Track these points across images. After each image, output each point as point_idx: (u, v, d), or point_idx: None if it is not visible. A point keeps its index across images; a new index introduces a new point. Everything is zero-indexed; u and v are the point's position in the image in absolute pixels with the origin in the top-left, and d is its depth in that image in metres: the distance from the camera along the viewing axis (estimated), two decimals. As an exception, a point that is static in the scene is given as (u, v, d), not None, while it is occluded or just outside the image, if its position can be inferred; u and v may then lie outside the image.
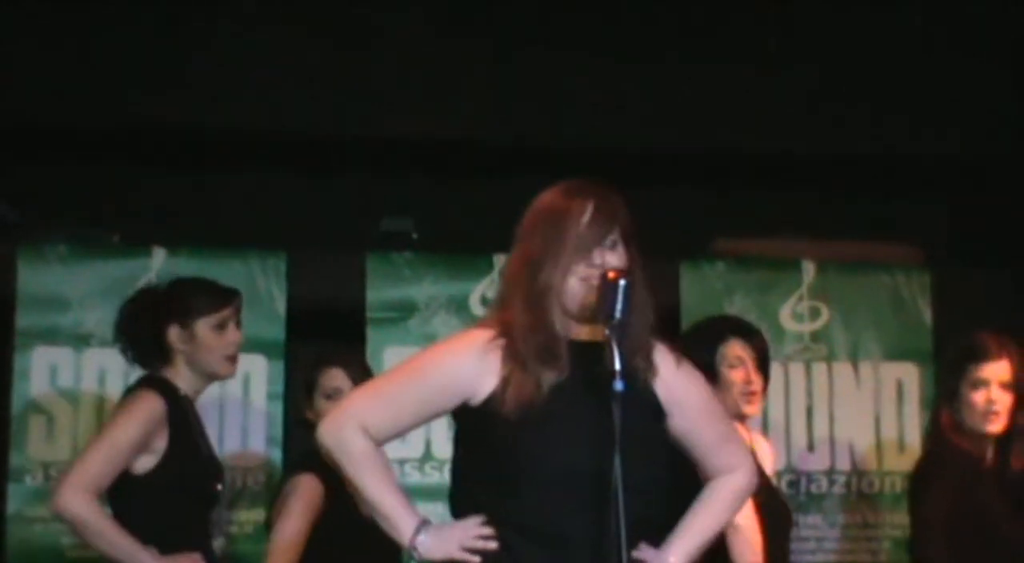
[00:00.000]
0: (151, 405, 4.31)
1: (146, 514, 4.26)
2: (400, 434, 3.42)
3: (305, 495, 4.69)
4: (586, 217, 3.29)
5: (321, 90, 6.37)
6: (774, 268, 6.79)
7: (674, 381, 3.40)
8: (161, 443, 4.30)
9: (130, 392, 4.42)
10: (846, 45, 6.51)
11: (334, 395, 4.83)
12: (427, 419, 3.42)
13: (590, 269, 3.26)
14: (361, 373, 4.94)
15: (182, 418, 4.39)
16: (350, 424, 3.32)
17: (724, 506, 3.50)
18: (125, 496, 4.29)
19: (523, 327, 3.28)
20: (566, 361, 3.25)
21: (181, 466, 4.34)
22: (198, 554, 4.29)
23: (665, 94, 6.52)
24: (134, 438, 4.25)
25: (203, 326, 4.43)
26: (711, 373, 4.60)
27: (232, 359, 4.49)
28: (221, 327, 4.45)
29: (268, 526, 4.83)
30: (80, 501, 4.15)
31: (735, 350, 4.67)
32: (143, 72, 6.23)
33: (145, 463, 4.28)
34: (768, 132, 6.57)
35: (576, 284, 3.27)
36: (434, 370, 3.35)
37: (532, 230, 3.34)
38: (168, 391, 4.37)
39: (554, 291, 3.27)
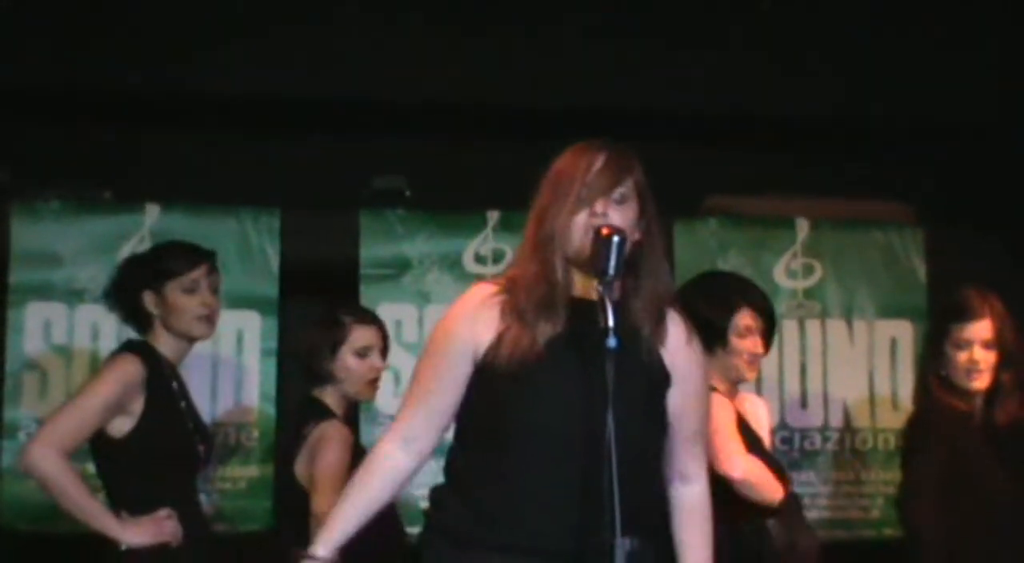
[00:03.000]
0: (126, 368, 4.34)
1: (127, 476, 4.29)
2: (450, 415, 3.38)
3: (341, 439, 4.72)
4: (595, 168, 3.30)
5: (315, 48, 6.34)
6: (768, 225, 6.79)
7: (680, 354, 3.40)
8: (137, 406, 4.32)
9: (112, 356, 4.44)
10: (841, 9, 6.48)
11: (364, 353, 4.85)
12: (462, 390, 3.36)
13: (592, 219, 3.26)
14: (386, 332, 4.99)
15: (162, 382, 4.40)
16: (392, 438, 3.39)
17: (707, 520, 3.51)
18: (105, 459, 4.32)
19: (526, 278, 3.30)
20: (563, 316, 3.26)
21: (160, 429, 4.35)
22: (168, 511, 4.30)
23: (659, 52, 6.50)
24: (105, 399, 4.27)
25: (173, 289, 4.46)
26: (722, 339, 4.64)
27: (205, 319, 4.50)
28: (191, 290, 4.47)
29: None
30: (47, 458, 4.18)
31: (746, 320, 4.72)
32: (136, 32, 6.19)
33: (121, 426, 4.30)
34: (762, 91, 6.56)
35: (578, 233, 3.27)
36: (445, 341, 3.35)
37: (545, 184, 3.36)
38: (148, 355, 4.40)
39: (556, 239, 3.28)
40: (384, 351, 4.93)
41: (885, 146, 6.96)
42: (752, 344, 4.71)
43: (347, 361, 4.85)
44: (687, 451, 3.44)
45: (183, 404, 4.50)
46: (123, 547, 4.22)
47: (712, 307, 4.71)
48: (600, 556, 3.02)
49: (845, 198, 7.03)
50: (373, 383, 4.89)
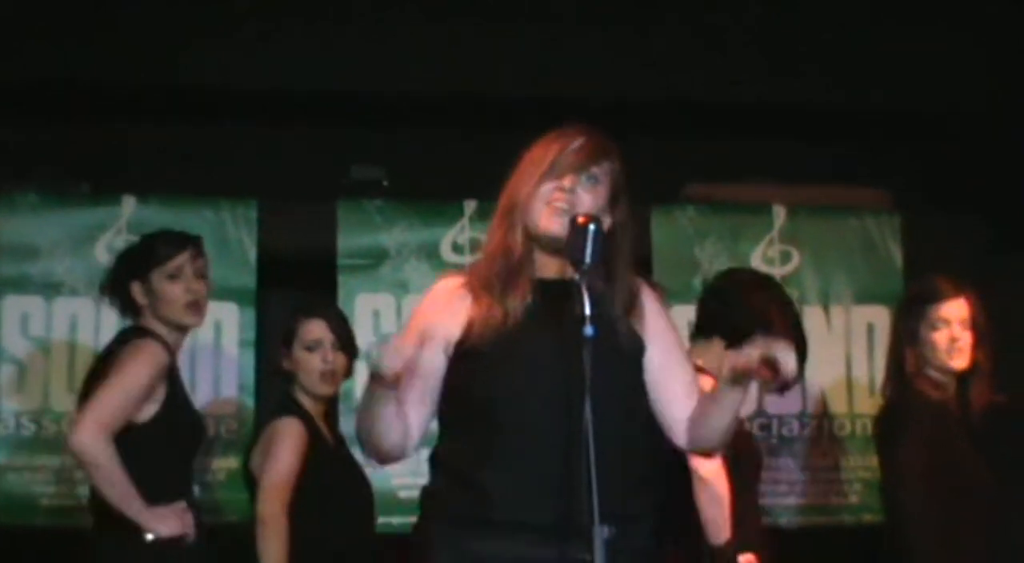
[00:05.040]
0: (158, 352, 4.34)
1: (140, 462, 4.26)
2: (426, 425, 3.35)
3: (291, 436, 4.69)
4: (572, 147, 3.31)
5: (292, 40, 6.34)
6: (745, 213, 6.80)
7: (652, 317, 3.41)
8: (161, 392, 4.32)
9: (125, 341, 4.41)
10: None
11: (314, 347, 4.83)
12: (436, 382, 3.34)
13: (557, 191, 3.27)
14: (340, 324, 4.95)
15: (174, 369, 4.42)
16: None
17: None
18: (125, 443, 4.29)
19: (490, 251, 3.34)
20: (531, 291, 3.27)
21: (177, 416, 4.36)
22: (183, 502, 4.31)
23: (635, 41, 6.51)
24: (146, 383, 4.27)
25: (159, 277, 4.43)
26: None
27: (193, 306, 4.47)
28: (175, 276, 4.43)
29: (246, 472, 4.82)
30: (96, 440, 4.16)
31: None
32: (113, 25, 6.19)
33: (147, 411, 4.29)
34: (739, 79, 6.57)
35: (540, 204, 3.28)
36: (416, 335, 3.30)
37: (521, 162, 3.37)
38: (163, 342, 4.39)
39: (519, 209, 3.30)
40: (339, 344, 4.89)
41: (861, 133, 6.98)
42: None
43: (299, 356, 4.84)
44: (689, 396, 3.42)
45: (185, 390, 4.51)
46: (150, 537, 4.21)
47: (726, 302, 4.73)
48: (586, 541, 3.01)
49: (822, 185, 7.05)
50: (327, 376, 4.86)
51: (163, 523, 4.23)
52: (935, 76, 6.58)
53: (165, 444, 4.31)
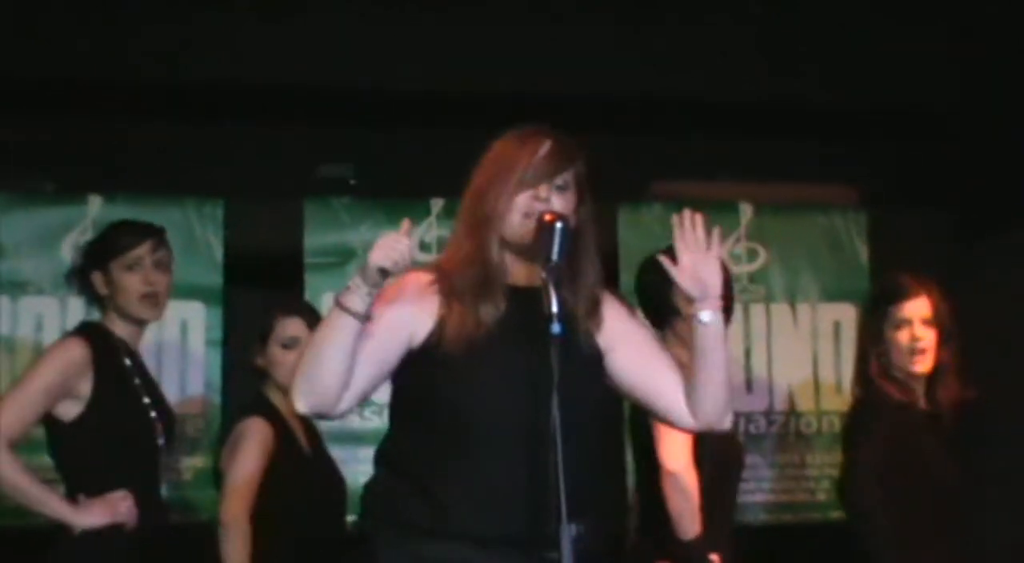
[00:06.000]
0: (70, 351, 4.27)
1: (81, 461, 4.22)
2: (367, 390, 3.27)
3: (257, 437, 4.66)
4: (541, 153, 3.28)
5: (259, 37, 6.31)
6: (711, 210, 6.69)
7: (618, 323, 3.39)
8: (85, 389, 4.24)
9: (56, 341, 4.41)
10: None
11: (291, 344, 4.80)
12: (387, 372, 3.27)
13: (535, 202, 3.25)
14: (317, 322, 4.93)
15: (113, 364, 4.34)
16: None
17: None
18: (59, 444, 4.26)
19: (461, 259, 3.29)
20: (503, 300, 3.24)
21: (112, 411, 4.28)
22: (126, 493, 4.25)
23: (603, 38, 6.50)
24: (45, 385, 4.20)
25: (117, 268, 4.37)
26: (672, 307, 4.63)
27: (148, 298, 4.39)
28: (133, 267, 4.38)
29: (216, 470, 4.80)
30: None
31: None
32: (76, 20, 6.15)
33: (71, 409, 4.23)
34: (706, 76, 6.57)
35: (518, 216, 3.25)
36: (377, 323, 3.22)
37: (485, 165, 3.33)
38: (98, 336, 4.33)
39: (495, 220, 3.26)
40: None
41: (828, 130, 6.99)
42: None
43: (274, 353, 4.82)
44: (681, 391, 3.40)
45: (137, 382, 4.40)
46: (77, 531, 4.16)
47: (660, 278, 4.75)
48: (553, 541, 3.01)
49: (788, 182, 7.07)
50: None
51: (87, 515, 4.16)
52: (900, 73, 6.59)
53: (102, 442, 4.24)
